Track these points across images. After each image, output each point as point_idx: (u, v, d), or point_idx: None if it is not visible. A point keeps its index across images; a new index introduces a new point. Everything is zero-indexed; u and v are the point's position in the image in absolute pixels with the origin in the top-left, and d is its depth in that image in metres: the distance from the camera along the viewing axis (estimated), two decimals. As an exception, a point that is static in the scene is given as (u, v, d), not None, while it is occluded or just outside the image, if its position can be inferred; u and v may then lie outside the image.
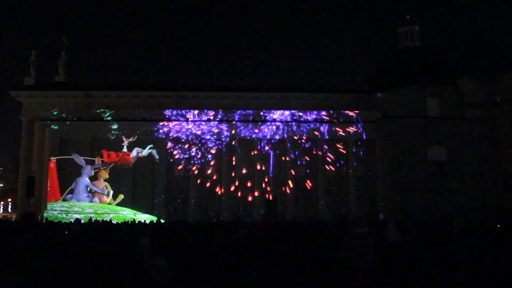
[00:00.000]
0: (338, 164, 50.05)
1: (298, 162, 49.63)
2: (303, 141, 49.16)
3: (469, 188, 46.75)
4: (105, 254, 10.39)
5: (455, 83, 51.48)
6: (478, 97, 52.61)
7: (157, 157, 46.64)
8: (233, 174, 48.93)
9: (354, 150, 48.87)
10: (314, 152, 49.20)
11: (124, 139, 46.21)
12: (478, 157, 47.84)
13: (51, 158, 45.42)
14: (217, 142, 48.65)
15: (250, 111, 48.18)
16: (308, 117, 48.10)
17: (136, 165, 46.64)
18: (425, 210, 43.66)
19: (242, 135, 47.95)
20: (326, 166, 49.02)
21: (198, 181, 47.89)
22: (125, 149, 46.24)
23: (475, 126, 49.07)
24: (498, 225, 19.42)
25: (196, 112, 47.67)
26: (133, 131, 46.43)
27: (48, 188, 44.97)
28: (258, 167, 48.19)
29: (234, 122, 47.67)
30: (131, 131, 46.32)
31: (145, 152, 46.53)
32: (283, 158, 49.03)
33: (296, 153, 49.11)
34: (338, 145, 49.40)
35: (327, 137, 48.33)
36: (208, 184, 49.03)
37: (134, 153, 46.19)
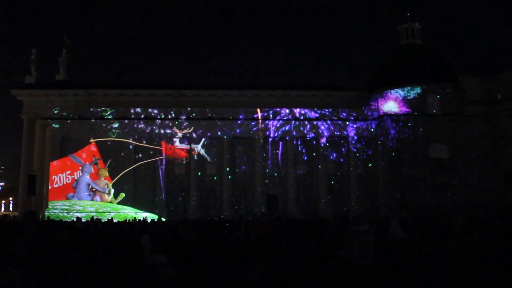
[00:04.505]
0: (339, 162, 50.09)
1: (299, 160, 49.66)
2: (304, 138, 49.19)
3: (470, 185, 46.70)
4: (106, 252, 10.42)
5: (456, 80, 51.39)
6: (479, 94, 52.62)
7: (207, 156, 47.25)
8: (234, 172, 48.95)
9: (355, 148, 48.84)
10: (315, 150, 49.22)
11: (178, 131, 46.44)
12: (479, 154, 47.76)
13: (90, 141, 45.62)
14: (218, 140, 48.69)
15: (251, 109, 48.16)
16: (308, 115, 48.05)
17: (139, 165, 46.68)
18: (426, 207, 43.62)
19: (243, 133, 47.95)
20: (327, 164, 49.06)
21: (199, 180, 47.93)
22: (177, 143, 46.64)
23: (476, 123, 49.01)
24: (499, 223, 19.42)
25: (196, 110, 47.66)
26: (134, 130, 46.48)
27: (93, 171, 45.34)
28: (259, 165, 48.21)
29: (235, 120, 47.65)
30: (132, 131, 46.39)
31: (199, 148, 46.81)
32: (284, 156, 49.05)
33: (297, 151, 49.15)
34: (339, 143, 49.40)
35: (327, 134, 48.31)
36: (209, 183, 49.07)
37: (192, 148, 46.70)
